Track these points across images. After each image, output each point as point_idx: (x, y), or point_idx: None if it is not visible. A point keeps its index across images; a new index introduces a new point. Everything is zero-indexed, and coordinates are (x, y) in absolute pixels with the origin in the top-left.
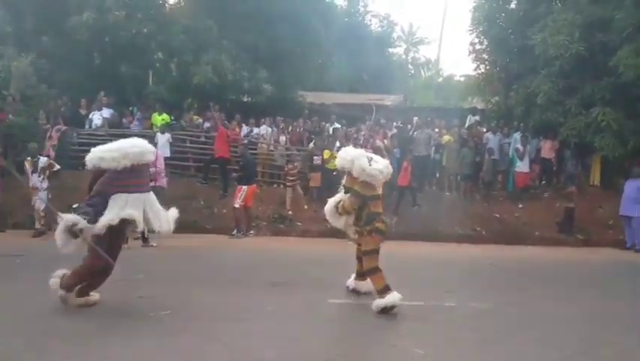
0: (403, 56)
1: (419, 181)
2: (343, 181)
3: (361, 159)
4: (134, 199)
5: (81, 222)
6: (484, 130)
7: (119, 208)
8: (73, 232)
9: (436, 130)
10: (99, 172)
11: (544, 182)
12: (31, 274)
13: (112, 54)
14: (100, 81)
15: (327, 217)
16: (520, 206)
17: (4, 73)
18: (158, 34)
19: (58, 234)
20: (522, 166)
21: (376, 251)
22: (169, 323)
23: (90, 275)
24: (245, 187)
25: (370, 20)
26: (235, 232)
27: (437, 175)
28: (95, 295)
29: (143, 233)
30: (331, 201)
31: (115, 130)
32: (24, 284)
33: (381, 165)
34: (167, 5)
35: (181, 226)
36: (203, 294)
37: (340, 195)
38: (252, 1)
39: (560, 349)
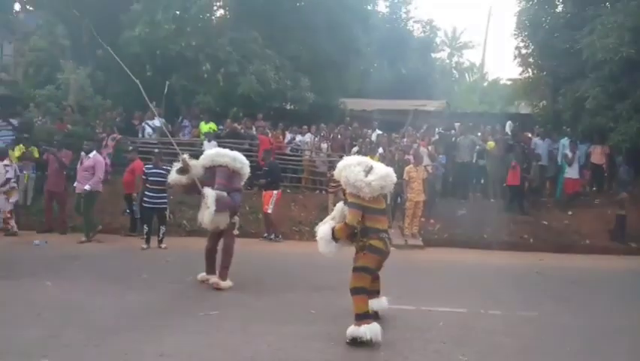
0: (447, 61)
1: (463, 188)
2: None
3: (350, 169)
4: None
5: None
6: (529, 135)
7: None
8: (184, 166)
9: (479, 134)
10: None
11: (594, 188)
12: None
13: (162, 66)
14: (151, 92)
15: (321, 248)
16: (570, 213)
17: (63, 85)
18: (206, 46)
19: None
20: (571, 172)
21: (366, 270)
22: (217, 323)
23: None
24: (275, 192)
25: (413, 26)
26: (273, 235)
27: (482, 181)
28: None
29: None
30: (326, 227)
31: (166, 138)
32: (82, 285)
33: (374, 176)
34: (213, 18)
35: None
36: (249, 296)
37: (330, 217)
38: (294, 11)
39: None
